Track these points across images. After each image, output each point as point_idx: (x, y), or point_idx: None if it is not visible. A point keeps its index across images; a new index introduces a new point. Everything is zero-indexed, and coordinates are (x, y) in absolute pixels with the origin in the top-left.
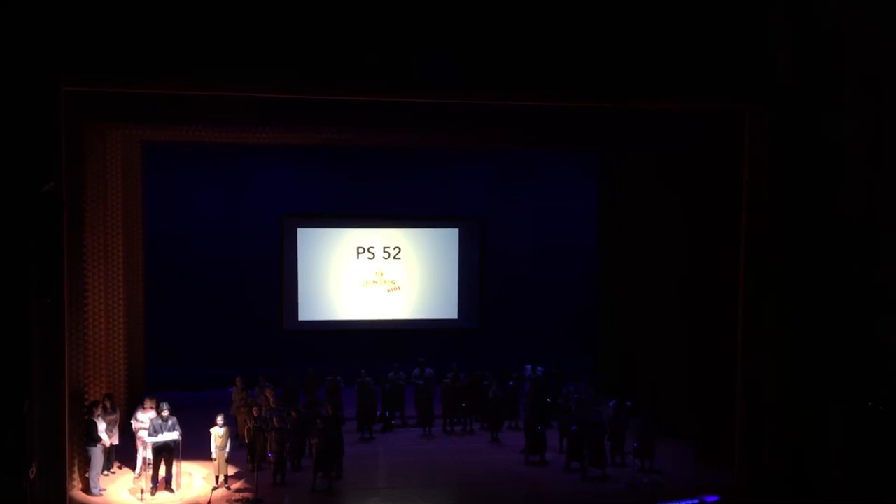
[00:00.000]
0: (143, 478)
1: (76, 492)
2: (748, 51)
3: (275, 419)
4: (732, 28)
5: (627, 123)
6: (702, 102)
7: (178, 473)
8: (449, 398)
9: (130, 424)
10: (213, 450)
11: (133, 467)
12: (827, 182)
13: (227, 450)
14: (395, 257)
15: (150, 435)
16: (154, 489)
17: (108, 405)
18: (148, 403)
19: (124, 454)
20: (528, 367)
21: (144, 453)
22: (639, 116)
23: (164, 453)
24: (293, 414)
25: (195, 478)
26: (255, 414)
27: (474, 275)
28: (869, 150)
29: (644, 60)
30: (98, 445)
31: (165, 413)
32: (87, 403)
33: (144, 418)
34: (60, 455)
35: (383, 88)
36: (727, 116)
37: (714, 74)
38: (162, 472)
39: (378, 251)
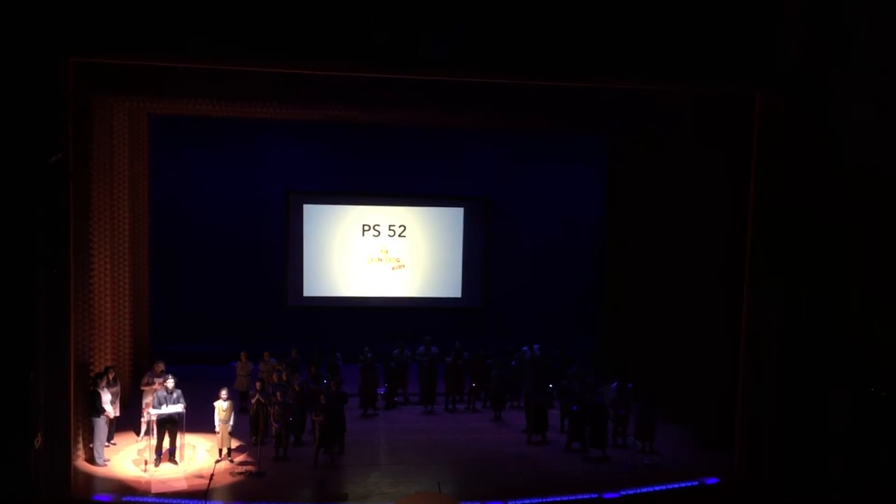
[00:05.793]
0: (146, 448)
1: (80, 462)
2: (759, 35)
3: (278, 394)
4: (744, 12)
5: (635, 106)
6: (712, 86)
7: (182, 446)
8: (451, 376)
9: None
10: (216, 423)
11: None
12: (835, 167)
13: (231, 423)
14: (400, 235)
15: (154, 407)
16: (158, 461)
17: (111, 377)
18: (158, 367)
19: (124, 426)
20: (526, 347)
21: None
22: (647, 99)
23: (169, 425)
24: (295, 389)
25: (198, 450)
26: (258, 388)
27: (478, 255)
28: (877, 135)
29: (654, 43)
30: (101, 416)
31: (170, 385)
32: (91, 375)
33: (156, 379)
34: (65, 425)
35: (388, 66)
36: (736, 100)
37: (724, 58)
38: (166, 444)
39: (383, 229)
